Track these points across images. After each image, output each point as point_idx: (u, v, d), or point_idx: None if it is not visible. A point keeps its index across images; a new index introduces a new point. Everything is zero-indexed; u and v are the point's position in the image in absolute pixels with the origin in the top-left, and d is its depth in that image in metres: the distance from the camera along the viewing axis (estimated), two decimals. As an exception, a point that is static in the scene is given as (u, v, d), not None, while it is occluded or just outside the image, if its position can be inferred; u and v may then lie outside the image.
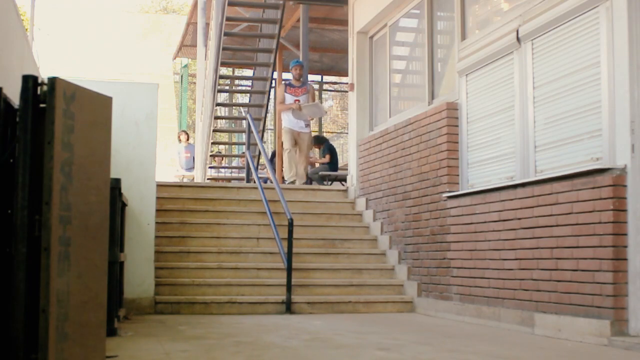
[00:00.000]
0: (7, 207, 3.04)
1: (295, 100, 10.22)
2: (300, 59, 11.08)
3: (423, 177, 7.33)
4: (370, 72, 9.47)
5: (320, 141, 13.15)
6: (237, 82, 18.52)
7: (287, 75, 17.57)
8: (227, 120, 16.92)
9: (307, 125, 10.43)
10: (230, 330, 5.45)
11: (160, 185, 8.19)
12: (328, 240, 8.30)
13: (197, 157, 13.49)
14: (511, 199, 5.82)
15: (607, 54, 4.92)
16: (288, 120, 10.34)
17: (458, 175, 6.85)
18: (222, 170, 15.93)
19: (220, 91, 13.32)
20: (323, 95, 20.22)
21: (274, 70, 12.66)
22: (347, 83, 10.56)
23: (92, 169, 3.24)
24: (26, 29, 8.90)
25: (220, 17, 11.64)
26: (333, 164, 13.17)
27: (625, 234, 4.68)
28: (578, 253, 4.99)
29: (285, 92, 10.36)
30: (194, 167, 14.90)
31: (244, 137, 12.28)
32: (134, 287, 6.62)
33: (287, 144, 10.38)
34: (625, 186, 4.70)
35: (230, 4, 11.55)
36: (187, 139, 16.04)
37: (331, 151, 13.18)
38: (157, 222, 7.09)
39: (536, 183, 5.52)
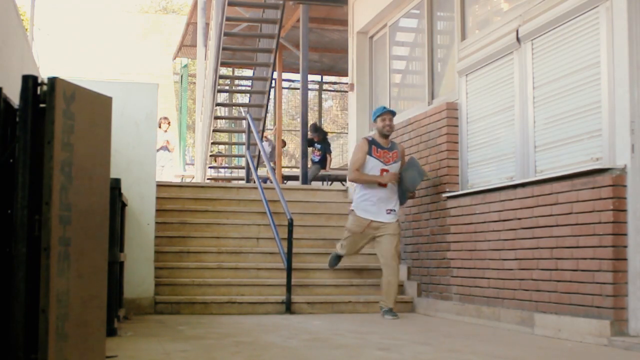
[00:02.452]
0: (7, 207, 3.04)
1: (383, 171, 6.74)
2: (389, 108, 7.10)
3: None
4: (370, 72, 9.47)
5: (322, 134, 13.13)
6: (237, 82, 18.52)
7: (289, 75, 17.63)
8: (227, 120, 16.92)
9: (392, 212, 6.80)
10: (230, 330, 5.45)
11: (160, 185, 8.19)
12: (328, 240, 8.29)
13: (197, 157, 13.48)
14: (511, 199, 5.82)
15: (607, 54, 4.92)
16: (365, 205, 6.79)
17: (458, 175, 6.85)
18: (222, 170, 15.92)
19: (220, 91, 13.32)
20: (323, 96, 20.22)
21: (273, 70, 12.66)
22: (347, 83, 10.52)
23: (92, 169, 3.24)
24: (26, 29, 8.90)
25: (220, 17, 11.64)
26: (323, 160, 13.16)
27: (625, 234, 4.69)
28: (578, 253, 4.99)
29: (371, 154, 6.75)
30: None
31: (243, 137, 12.28)
32: (134, 287, 6.62)
33: (352, 226, 6.96)
34: (625, 186, 4.70)
35: (230, 4, 11.55)
36: (168, 128, 14.41)
37: (323, 147, 13.21)
38: (157, 222, 7.08)
39: (536, 183, 5.52)
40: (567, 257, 5.10)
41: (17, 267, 2.94)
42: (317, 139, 12.85)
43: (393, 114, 6.89)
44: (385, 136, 6.82)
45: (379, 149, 6.78)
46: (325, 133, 13.78)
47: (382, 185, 6.74)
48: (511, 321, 5.69)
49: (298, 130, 16.46)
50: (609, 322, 4.63)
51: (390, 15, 8.72)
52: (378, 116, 6.82)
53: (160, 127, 13.84)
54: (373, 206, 6.76)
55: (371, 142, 6.83)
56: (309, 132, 12.60)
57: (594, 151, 5.04)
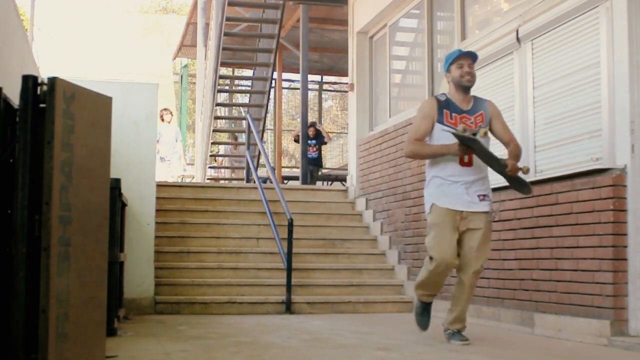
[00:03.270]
0: (7, 207, 3.04)
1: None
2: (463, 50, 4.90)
3: (423, 177, 7.31)
4: (370, 72, 9.47)
5: (316, 130, 13.15)
6: (237, 82, 18.52)
7: (289, 75, 17.63)
8: (227, 120, 16.92)
9: (486, 198, 4.69)
10: (230, 330, 5.45)
11: (160, 185, 8.19)
12: (328, 240, 8.29)
13: (197, 157, 13.46)
14: (511, 199, 5.82)
15: (607, 54, 4.92)
16: (446, 190, 4.65)
17: (458, 175, 6.83)
18: (222, 170, 15.90)
19: (220, 91, 13.30)
20: (323, 96, 20.22)
21: (273, 70, 12.66)
22: (347, 83, 10.52)
23: (92, 169, 3.25)
24: (26, 29, 8.90)
25: (220, 17, 11.64)
26: (320, 158, 13.14)
27: (625, 234, 4.68)
28: (578, 253, 4.98)
29: (442, 121, 4.69)
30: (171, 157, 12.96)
31: (243, 137, 12.26)
32: (134, 287, 6.62)
33: (436, 219, 4.66)
34: (625, 186, 4.70)
35: (230, 4, 11.55)
36: (171, 120, 13.06)
37: (318, 142, 13.22)
38: (157, 222, 7.09)
39: (536, 183, 5.52)
40: (567, 257, 5.10)
41: (17, 267, 2.94)
42: (312, 134, 12.90)
43: (473, 57, 4.77)
44: (465, 89, 4.73)
45: (454, 114, 4.69)
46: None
47: (466, 164, 4.64)
48: (511, 321, 5.69)
49: (293, 130, 16.47)
50: (609, 322, 4.63)
51: (390, 15, 8.72)
52: (452, 63, 4.75)
53: (162, 119, 12.53)
54: (458, 189, 4.63)
55: (443, 104, 4.72)
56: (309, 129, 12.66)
57: (594, 151, 5.03)
